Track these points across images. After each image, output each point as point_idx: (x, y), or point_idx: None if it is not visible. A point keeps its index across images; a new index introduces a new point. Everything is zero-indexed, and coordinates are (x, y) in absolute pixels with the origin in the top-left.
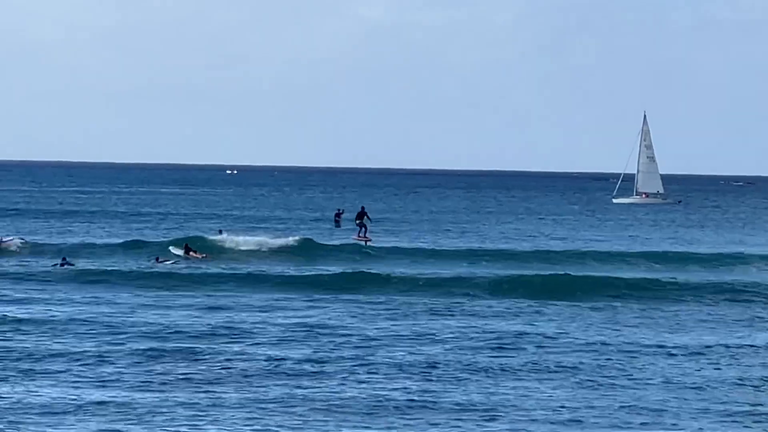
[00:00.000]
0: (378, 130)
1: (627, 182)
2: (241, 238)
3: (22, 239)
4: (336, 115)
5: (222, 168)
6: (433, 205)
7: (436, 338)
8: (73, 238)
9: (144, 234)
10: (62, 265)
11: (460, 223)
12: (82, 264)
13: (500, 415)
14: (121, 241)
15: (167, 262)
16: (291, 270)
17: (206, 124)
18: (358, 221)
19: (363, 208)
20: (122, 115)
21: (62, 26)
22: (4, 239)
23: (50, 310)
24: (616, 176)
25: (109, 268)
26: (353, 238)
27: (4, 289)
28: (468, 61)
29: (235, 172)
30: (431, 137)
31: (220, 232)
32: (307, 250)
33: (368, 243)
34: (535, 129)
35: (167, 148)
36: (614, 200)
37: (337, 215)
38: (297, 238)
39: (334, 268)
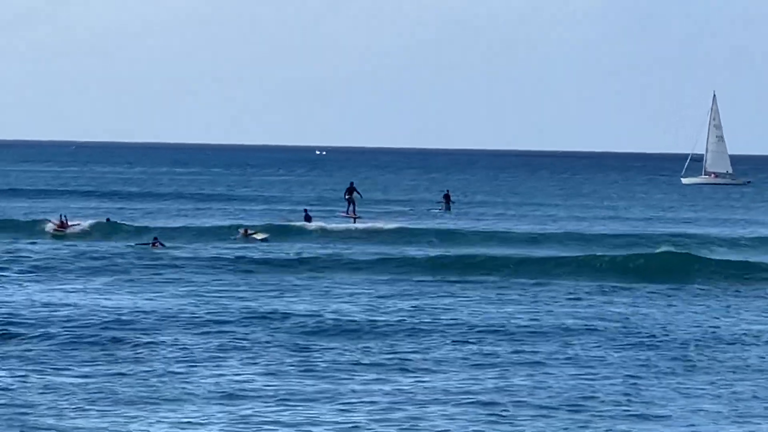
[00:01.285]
0: (455, 112)
1: (696, 162)
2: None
3: (108, 219)
4: (416, 97)
5: (311, 149)
6: (525, 186)
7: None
8: (158, 220)
9: (236, 217)
10: (153, 245)
11: (567, 206)
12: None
13: None
14: (218, 224)
15: (256, 236)
16: (411, 251)
17: (294, 105)
18: (347, 197)
19: (352, 183)
20: (208, 99)
21: (144, 14)
22: (70, 221)
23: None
24: (682, 157)
25: (216, 252)
26: (340, 214)
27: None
28: (546, 42)
29: (324, 152)
30: (509, 118)
31: (306, 216)
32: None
33: (356, 221)
34: (606, 109)
35: (258, 130)
36: (683, 180)
37: (446, 197)
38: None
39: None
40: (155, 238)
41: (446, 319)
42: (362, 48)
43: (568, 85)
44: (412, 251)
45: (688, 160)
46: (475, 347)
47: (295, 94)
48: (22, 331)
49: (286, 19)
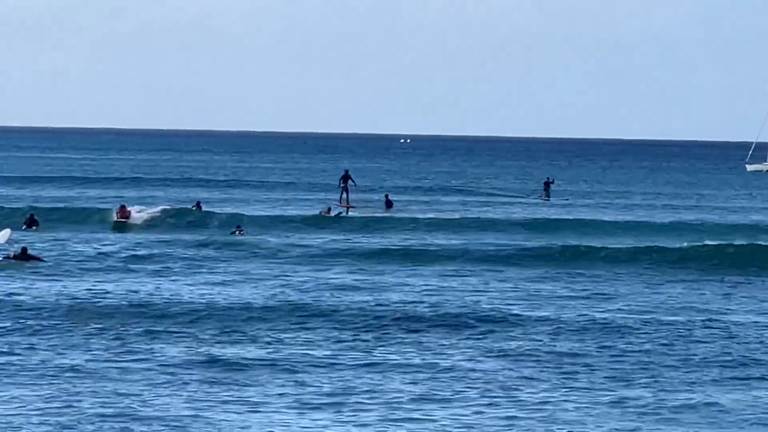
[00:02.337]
0: (524, 99)
1: (760, 150)
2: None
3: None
4: (494, 86)
5: (396, 137)
6: (613, 175)
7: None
8: (248, 209)
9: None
10: (236, 233)
11: (674, 195)
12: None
13: None
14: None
15: (338, 213)
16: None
17: (379, 92)
18: (342, 185)
19: (347, 171)
20: (285, 86)
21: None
22: (135, 211)
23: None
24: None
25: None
26: (333, 203)
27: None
28: (622, 31)
29: (409, 141)
30: (590, 105)
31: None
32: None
33: (349, 210)
34: (674, 97)
35: (344, 117)
36: (747, 167)
37: (547, 184)
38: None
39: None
40: (238, 226)
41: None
42: (448, 33)
43: (637, 74)
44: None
45: (752, 149)
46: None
47: (379, 82)
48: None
49: (372, 7)
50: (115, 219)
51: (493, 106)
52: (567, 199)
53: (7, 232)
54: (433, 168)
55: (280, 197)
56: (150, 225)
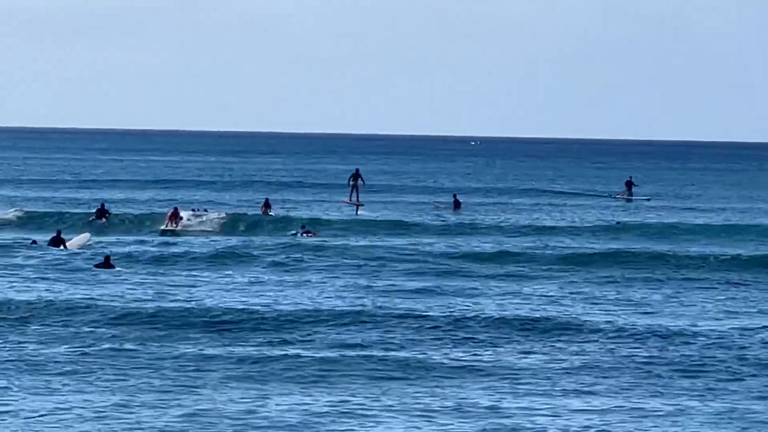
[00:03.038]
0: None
1: None
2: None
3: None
4: (568, 87)
5: (465, 139)
6: (682, 177)
7: None
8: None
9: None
10: (304, 234)
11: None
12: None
13: None
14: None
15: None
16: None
17: (449, 94)
18: (352, 183)
19: (357, 170)
20: (357, 87)
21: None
22: (198, 212)
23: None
24: None
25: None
26: (342, 201)
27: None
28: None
29: (479, 143)
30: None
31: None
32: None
33: (359, 208)
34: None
35: (412, 119)
36: None
37: (628, 184)
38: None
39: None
40: (303, 226)
41: None
42: (522, 34)
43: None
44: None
45: None
46: None
47: (447, 84)
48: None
49: (442, 6)
50: (165, 227)
51: (564, 107)
52: (648, 199)
53: (85, 236)
54: (507, 169)
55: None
56: (213, 229)
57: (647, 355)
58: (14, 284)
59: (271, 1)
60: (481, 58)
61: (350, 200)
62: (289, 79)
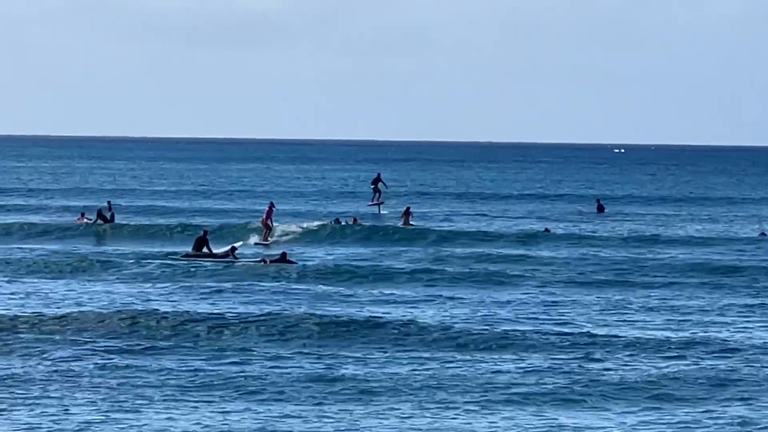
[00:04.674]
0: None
1: None
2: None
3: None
4: (710, 95)
5: (608, 147)
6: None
7: None
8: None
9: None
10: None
11: None
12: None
13: None
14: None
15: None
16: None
17: (596, 102)
18: (373, 186)
19: (379, 174)
20: (504, 93)
21: (448, 4)
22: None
23: None
24: None
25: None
26: (367, 205)
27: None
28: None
29: (623, 150)
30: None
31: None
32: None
33: (381, 208)
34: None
35: (551, 126)
36: None
37: None
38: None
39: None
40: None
41: None
42: (671, 39)
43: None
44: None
45: None
46: None
47: (594, 88)
48: None
49: (595, 16)
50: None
51: (712, 114)
52: None
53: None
54: (658, 176)
55: (481, 210)
56: (306, 238)
57: None
58: None
59: (412, 13)
60: (626, 66)
61: (373, 202)
62: (424, 87)
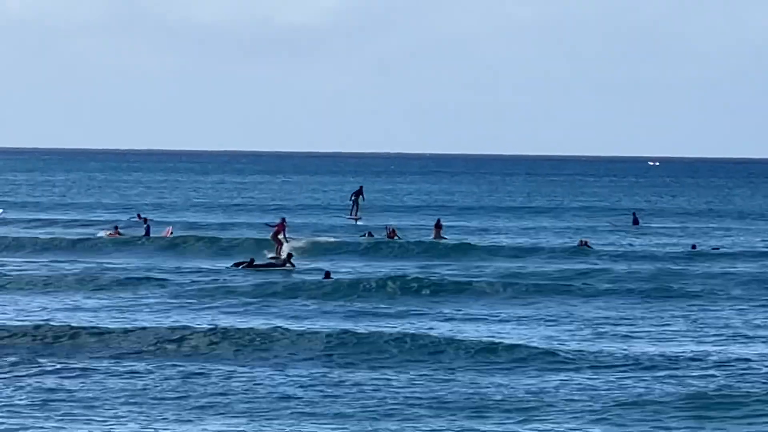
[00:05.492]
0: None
1: None
2: None
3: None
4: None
5: (644, 159)
6: None
7: None
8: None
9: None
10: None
11: None
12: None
13: None
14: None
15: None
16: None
17: (629, 114)
18: (353, 198)
19: (361, 187)
20: (543, 107)
21: (484, 20)
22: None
23: None
24: None
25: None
26: (346, 217)
27: None
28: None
29: (657, 163)
30: None
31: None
32: None
33: (357, 221)
34: None
35: (591, 139)
36: None
37: None
38: None
39: None
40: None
41: None
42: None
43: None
44: None
45: None
46: None
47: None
48: None
49: (622, 23)
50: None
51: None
52: None
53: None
54: (692, 188)
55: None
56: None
57: None
58: None
59: (450, 27)
60: (658, 78)
61: (352, 215)
62: (461, 100)
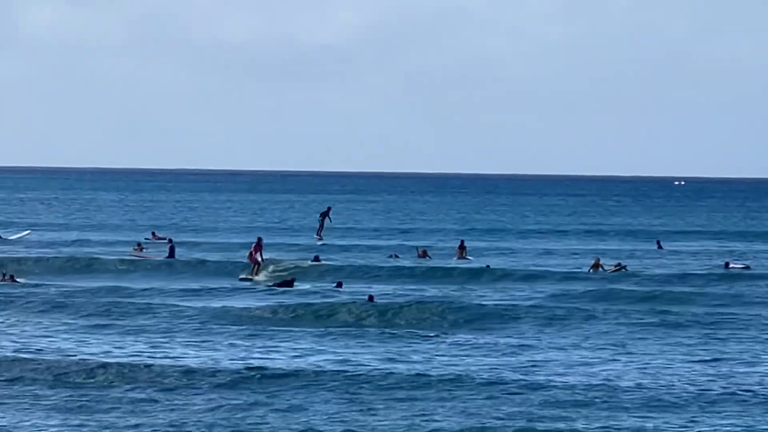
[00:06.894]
0: None
1: None
2: None
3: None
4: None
5: (670, 179)
6: None
7: None
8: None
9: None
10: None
11: None
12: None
13: None
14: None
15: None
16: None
17: (653, 133)
18: (321, 218)
19: (329, 208)
20: (566, 125)
21: (511, 37)
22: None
23: None
24: None
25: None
26: (314, 237)
27: None
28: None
29: (683, 183)
30: None
31: None
32: None
33: (320, 242)
34: None
35: (612, 159)
36: None
37: None
38: None
39: None
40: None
41: None
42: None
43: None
44: None
45: None
46: None
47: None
48: None
49: (652, 44)
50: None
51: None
52: None
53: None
54: (717, 209)
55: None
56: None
57: None
58: None
59: (476, 46)
60: (684, 98)
61: (318, 234)
62: (490, 120)
